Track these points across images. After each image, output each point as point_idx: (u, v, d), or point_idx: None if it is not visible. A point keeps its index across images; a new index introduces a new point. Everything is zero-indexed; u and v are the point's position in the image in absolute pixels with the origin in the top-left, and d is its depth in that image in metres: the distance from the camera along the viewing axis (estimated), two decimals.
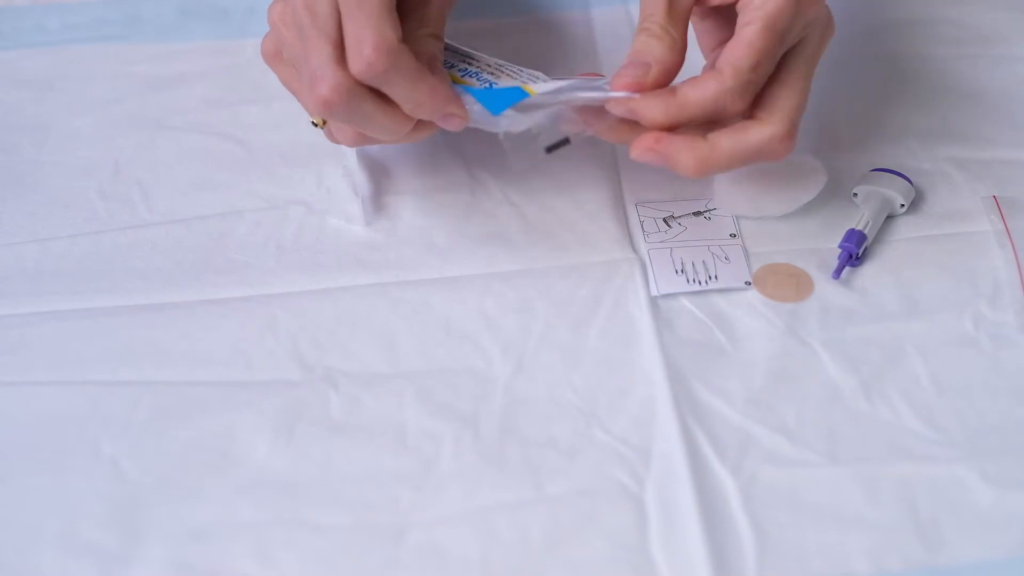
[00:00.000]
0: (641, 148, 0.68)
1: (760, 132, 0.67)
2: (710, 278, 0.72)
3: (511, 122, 0.67)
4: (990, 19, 0.88)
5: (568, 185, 0.78)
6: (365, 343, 0.69)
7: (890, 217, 0.75)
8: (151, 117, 0.82)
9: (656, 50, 0.68)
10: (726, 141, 0.67)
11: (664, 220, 0.76)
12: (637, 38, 0.68)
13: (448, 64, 0.71)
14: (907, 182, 0.76)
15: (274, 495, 0.63)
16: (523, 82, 0.69)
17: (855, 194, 0.76)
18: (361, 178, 0.78)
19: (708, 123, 0.68)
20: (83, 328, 0.70)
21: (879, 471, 0.64)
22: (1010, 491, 0.63)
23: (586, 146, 0.79)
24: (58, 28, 0.88)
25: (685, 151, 0.67)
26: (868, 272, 0.73)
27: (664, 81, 0.68)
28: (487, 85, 0.70)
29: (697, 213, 0.76)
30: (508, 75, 0.70)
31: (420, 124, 0.69)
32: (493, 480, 0.64)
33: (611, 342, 0.69)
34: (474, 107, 0.68)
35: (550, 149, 0.69)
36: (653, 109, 0.67)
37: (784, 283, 0.73)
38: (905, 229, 0.75)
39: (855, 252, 0.73)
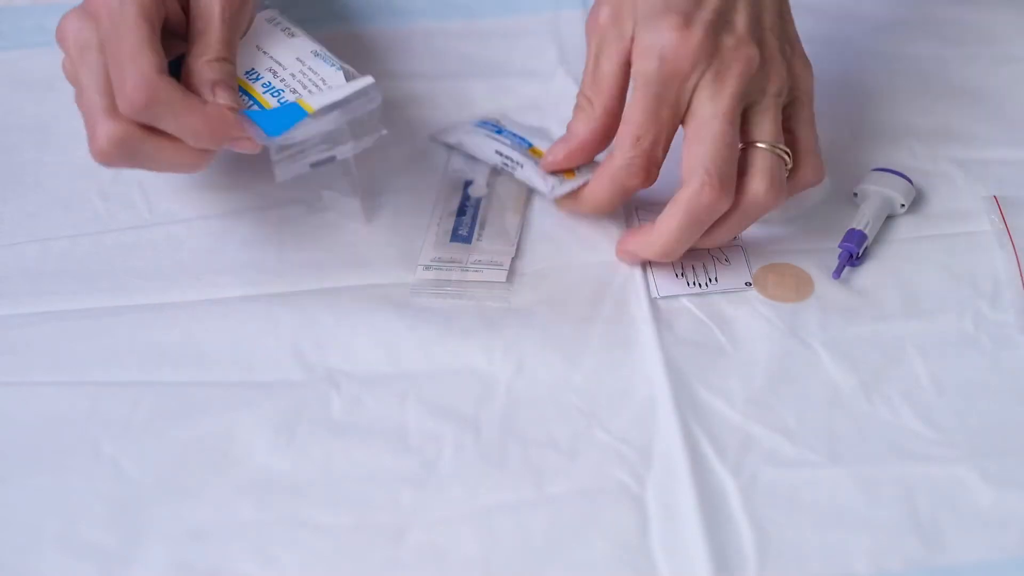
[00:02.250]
0: (621, 254, 0.73)
1: (682, 192, 0.68)
2: (710, 280, 0.72)
3: (284, 139, 0.68)
4: (990, 19, 0.88)
5: None
6: (366, 343, 0.69)
7: (890, 217, 0.75)
8: None
9: (576, 123, 0.73)
10: (665, 215, 0.69)
11: None
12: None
13: (252, 75, 0.71)
14: (907, 182, 0.76)
15: (275, 495, 0.63)
16: (302, 96, 0.69)
17: (855, 194, 0.76)
18: (360, 176, 0.78)
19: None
20: (84, 328, 0.70)
21: (879, 471, 0.64)
22: (1010, 491, 0.63)
23: None
24: None
25: (639, 243, 0.71)
26: (868, 272, 0.73)
27: (580, 153, 0.73)
28: (277, 98, 0.69)
29: None
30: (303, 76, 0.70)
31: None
32: (494, 480, 0.64)
33: (611, 342, 0.69)
34: (253, 128, 0.68)
35: (315, 165, 0.69)
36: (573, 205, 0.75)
37: (784, 283, 0.73)
38: (905, 229, 0.75)
39: (855, 252, 0.73)
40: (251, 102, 0.69)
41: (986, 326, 0.70)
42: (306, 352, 0.69)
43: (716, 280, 0.72)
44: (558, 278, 0.73)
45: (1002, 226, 0.74)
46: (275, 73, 0.71)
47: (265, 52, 0.73)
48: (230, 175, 0.79)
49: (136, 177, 0.78)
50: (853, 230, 0.73)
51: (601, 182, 0.71)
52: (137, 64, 0.65)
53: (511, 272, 0.73)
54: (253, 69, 0.71)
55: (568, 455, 0.65)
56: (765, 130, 0.70)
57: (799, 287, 0.72)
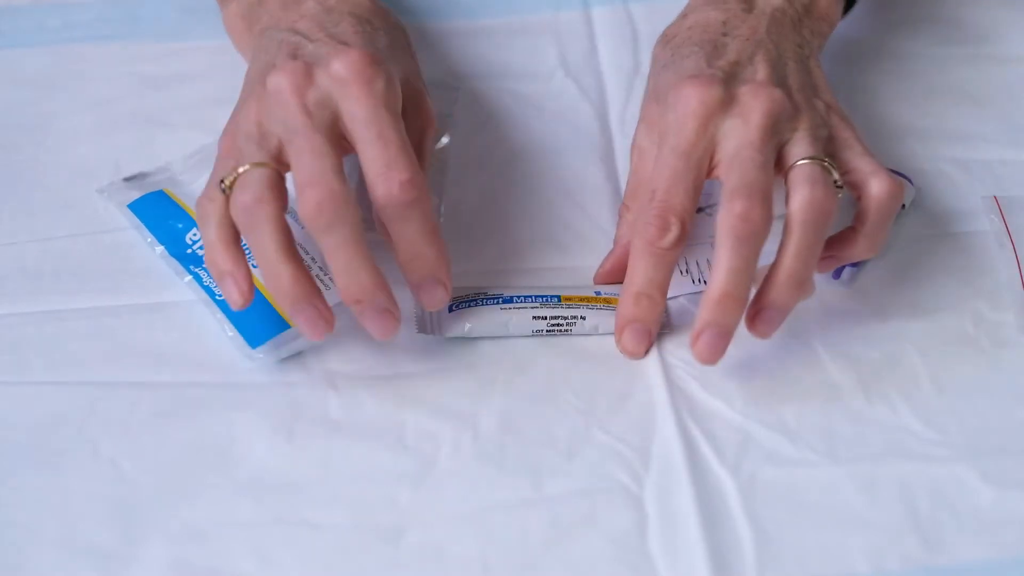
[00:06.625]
0: (697, 349, 0.66)
1: (718, 218, 0.65)
2: None
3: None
4: (990, 19, 0.88)
5: (568, 185, 0.78)
6: (364, 344, 0.69)
7: None
8: (151, 116, 0.82)
9: (618, 230, 0.73)
10: (714, 255, 0.65)
11: None
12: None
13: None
14: (907, 182, 0.76)
15: (273, 495, 0.63)
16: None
17: None
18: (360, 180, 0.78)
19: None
20: (82, 328, 0.70)
21: (879, 471, 0.64)
22: (1010, 491, 0.63)
23: (586, 145, 0.80)
24: (58, 27, 0.88)
25: (704, 309, 0.65)
26: (868, 272, 0.73)
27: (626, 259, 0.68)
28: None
29: (699, 210, 0.75)
30: None
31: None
32: (492, 480, 0.64)
33: (610, 342, 0.69)
34: (226, 328, 0.68)
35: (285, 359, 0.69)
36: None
37: None
38: (905, 229, 0.75)
39: None
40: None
41: (986, 326, 0.70)
42: (304, 352, 0.69)
43: None
44: (558, 278, 0.72)
45: (1002, 226, 0.74)
46: None
47: None
48: None
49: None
50: None
51: (633, 253, 0.67)
52: (412, 159, 0.65)
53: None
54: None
55: (566, 455, 0.65)
56: (801, 150, 0.66)
57: None
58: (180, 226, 0.73)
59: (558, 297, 0.70)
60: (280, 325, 0.68)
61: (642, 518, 0.62)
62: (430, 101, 0.72)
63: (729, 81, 0.68)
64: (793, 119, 0.67)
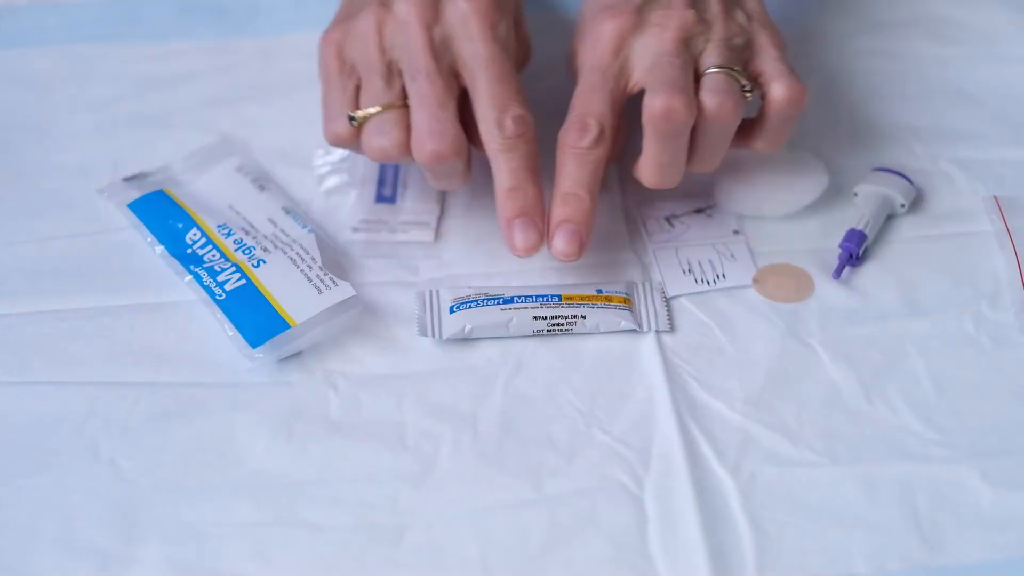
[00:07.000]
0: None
1: (644, 113, 0.68)
2: (718, 277, 0.72)
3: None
4: (990, 19, 0.88)
5: None
6: (364, 344, 0.69)
7: (890, 217, 0.75)
8: (151, 116, 0.82)
9: None
10: (644, 144, 0.70)
11: (667, 219, 0.75)
12: None
13: (225, 230, 0.73)
14: (907, 182, 0.76)
15: (273, 495, 0.63)
16: (285, 306, 0.69)
17: (855, 194, 0.76)
18: (360, 178, 0.78)
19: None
20: (82, 328, 0.70)
21: (879, 471, 0.64)
22: (1010, 491, 0.63)
23: None
24: (58, 27, 0.88)
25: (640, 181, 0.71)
26: (868, 272, 0.73)
27: None
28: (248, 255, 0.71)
29: (698, 211, 0.76)
30: (280, 252, 0.71)
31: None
32: (492, 480, 0.64)
33: (610, 342, 0.69)
34: (226, 328, 0.68)
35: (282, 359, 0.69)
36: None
37: (784, 283, 0.72)
38: (905, 229, 0.75)
39: (855, 252, 0.72)
40: (224, 280, 0.70)
41: (986, 326, 0.70)
42: (304, 353, 0.69)
43: (724, 276, 0.72)
44: (557, 277, 0.72)
45: (1002, 226, 0.74)
46: (247, 232, 0.73)
47: (237, 212, 0.74)
48: None
49: None
50: (853, 230, 0.73)
51: (559, 159, 0.70)
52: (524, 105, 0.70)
53: (438, 232, 0.74)
54: (225, 223, 0.73)
55: (566, 455, 0.65)
56: (712, 59, 0.70)
57: (799, 287, 0.72)
58: (180, 226, 0.73)
59: (559, 296, 0.70)
60: (280, 325, 0.68)
61: (642, 518, 0.62)
62: (528, 35, 0.77)
63: (643, 9, 0.70)
64: (705, 32, 0.70)
